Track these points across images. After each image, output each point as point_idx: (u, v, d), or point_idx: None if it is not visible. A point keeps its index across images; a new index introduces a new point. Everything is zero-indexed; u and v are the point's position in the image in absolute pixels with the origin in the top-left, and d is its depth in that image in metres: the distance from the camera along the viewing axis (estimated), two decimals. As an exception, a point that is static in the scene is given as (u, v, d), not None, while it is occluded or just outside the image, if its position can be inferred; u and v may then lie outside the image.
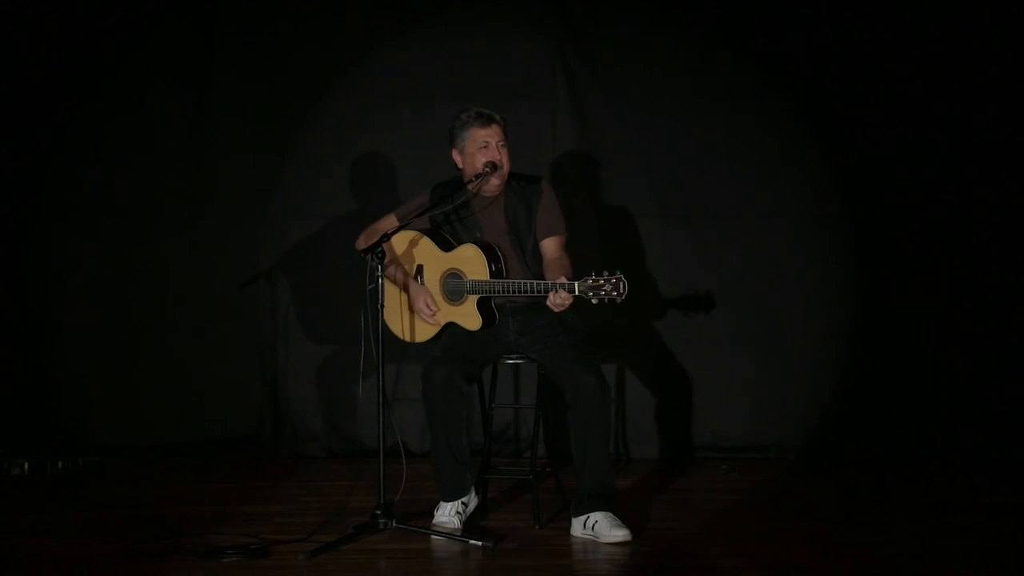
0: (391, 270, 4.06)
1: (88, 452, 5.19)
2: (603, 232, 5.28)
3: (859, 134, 5.36)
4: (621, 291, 3.60)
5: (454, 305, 3.98)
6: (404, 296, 4.08)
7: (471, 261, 3.94)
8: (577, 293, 3.64)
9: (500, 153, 3.97)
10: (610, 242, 5.28)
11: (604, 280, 3.60)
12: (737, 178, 5.35)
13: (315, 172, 5.41)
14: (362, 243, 4.08)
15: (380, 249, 3.78)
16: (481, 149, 3.98)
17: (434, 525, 3.88)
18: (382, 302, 3.79)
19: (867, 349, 5.35)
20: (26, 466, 4.96)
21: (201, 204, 5.49)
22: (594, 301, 3.62)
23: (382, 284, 3.79)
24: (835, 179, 5.39)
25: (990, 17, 5.22)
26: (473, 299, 3.94)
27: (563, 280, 3.67)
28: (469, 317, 3.95)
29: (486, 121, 3.98)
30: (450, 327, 4.02)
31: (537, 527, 3.93)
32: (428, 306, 3.98)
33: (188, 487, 4.68)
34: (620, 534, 3.70)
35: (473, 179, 3.98)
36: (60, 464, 5.02)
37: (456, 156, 4.05)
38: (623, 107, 5.35)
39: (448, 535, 3.77)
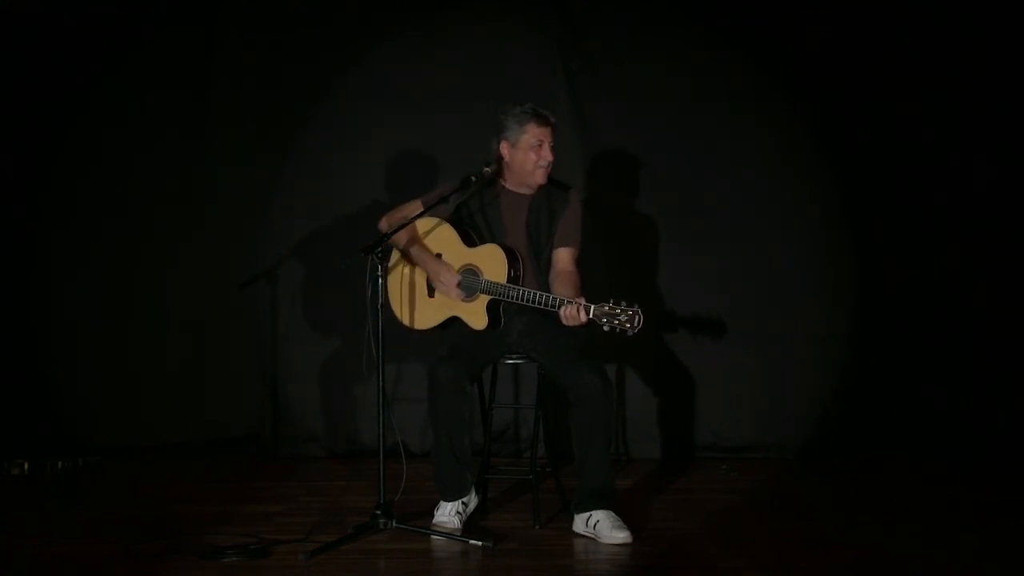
0: (412, 249, 4.06)
1: (88, 452, 5.20)
2: (602, 232, 5.27)
3: (859, 134, 5.36)
4: (635, 324, 3.59)
5: (464, 301, 3.98)
6: (408, 281, 4.07)
7: (492, 262, 3.94)
8: (591, 316, 3.64)
9: (548, 154, 3.99)
10: (609, 242, 5.27)
11: (620, 310, 3.60)
12: (737, 178, 5.35)
13: (315, 172, 5.41)
14: (384, 226, 4.07)
15: (380, 248, 3.78)
16: (534, 147, 3.98)
17: (434, 525, 3.88)
18: (382, 302, 3.79)
19: (867, 349, 5.36)
20: (26, 466, 4.96)
21: (201, 204, 5.50)
22: (605, 328, 3.62)
23: (382, 284, 3.79)
24: (835, 179, 5.39)
25: (990, 14, 5.22)
26: (484, 299, 3.93)
27: (581, 300, 3.66)
28: (476, 315, 3.95)
29: (544, 121, 3.99)
30: (453, 321, 4.02)
31: (537, 527, 3.92)
32: (452, 275, 3.97)
33: (188, 487, 4.68)
34: (621, 536, 3.70)
35: (474, 178, 3.96)
36: (60, 464, 5.02)
37: (504, 147, 4.02)
38: (623, 107, 5.35)
39: (448, 535, 3.77)
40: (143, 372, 5.47)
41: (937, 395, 5.31)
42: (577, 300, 3.67)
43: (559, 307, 3.71)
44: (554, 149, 4.01)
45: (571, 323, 3.69)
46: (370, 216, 4.29)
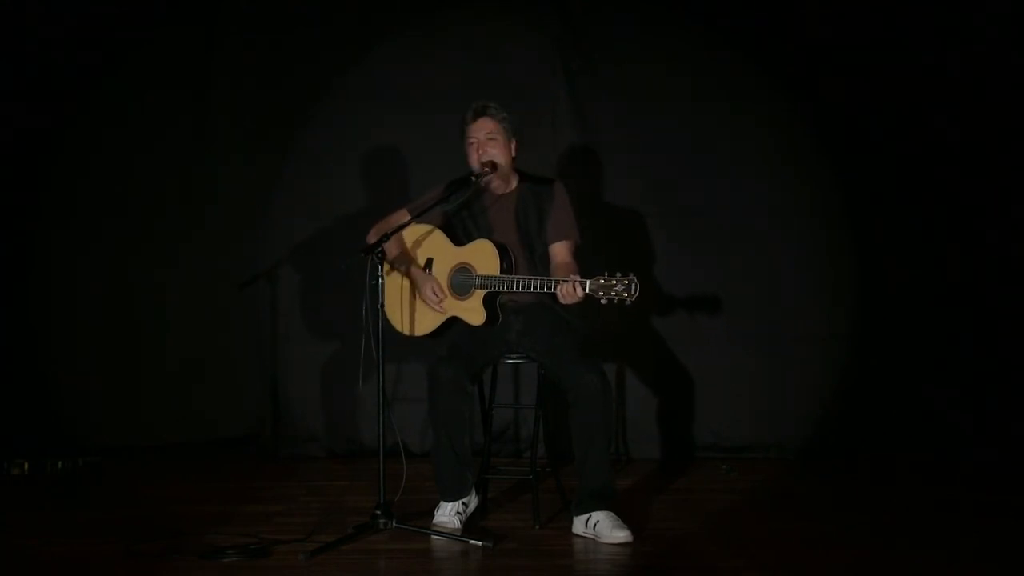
0: (400, 261, 4.06)
1: (88, 452, 5.20)
2: (602, 232, 5.27)
3: (859, 134, 5.36)
4: (632, 293, 3.58)
5: (460, 299, 3.98)
6: (407, 289, 4.08)
7: (483, 256, 3.94)
8: (588, 291, 3.64)
9: (485, 148, 3.97)
10: (610, 242, 5.27)
11: (616, 281, 3.59)
12: (737, 178, 5.35)
13: (315, 172, 5.42)
14: (373, 237, 4.05)
15: (380, 249, 3.78)
16: (470, 144, 3.99)
17: (434, 525, 3.88)
18: (382, 302, 3.79)
19: (867, 349, 5.35)
20: (26, 466, 4.97)
21: (201, 204, 5.50)
22: (603, 301, 3.61)
23: (382, 284, 3.79)
24: (835, 179, 5.39)
25: (990, 14, 5.22)
26: (480, 294, 3.93)
27: (576, 277, 3.66)
28: (473, 312, 3.95)
29: (476, 115, 3.99)
30: (453, 323, 4.02)
31: (537, 527, 3.92)
32: (435, 293, 3.97)
33: (188, 487, 4.68)
34: (621, 535, 3.70)
35: (474, 177, 3.97)
36: (60, 464, 5.03)
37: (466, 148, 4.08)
38: (623, 107, 5.35)
39: (448, 535, 3.77)
40: (143, 372, 5.47)
41: (937, 395, 5.31)
42: (572, 277, 3.66)
43: (555, 288, 3.70)
44: (499, 140, 3.96)
45: (569, 301, 3.68)
46: (370, 216, 4.29)
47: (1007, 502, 4.37)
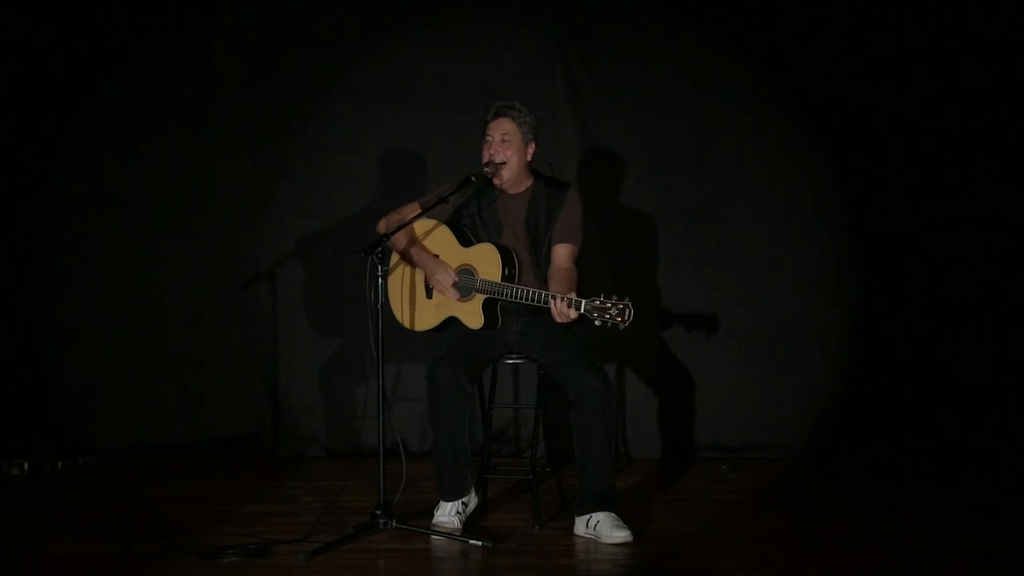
0: (410, 251, 4.06)
1: (88, 452, 5.20)
2: (603, 232, 5.28)
3: (859, 133, 5.35)
4: (626, 318, 3.58)
5: (461, 300, 3.98)
6: (410, 283, 4.08)
7: (486, 261, 3.94)
8: (582, 311, 3.64)
9: (498, 149, 3.97)
10: (610, 242, 5.27)
11: (611, 304, 3.59)
12: (737, 178, 5.35)
13: (315, 172, 5.41)
14: (382, 227, 4.06)
15: (380, 249, 3.78)
16: (485, 142, 3.99)
17: (434, 525, 3.89)
18: (382, 302, 3.79)
19: (867, 349, 5.35)
20: (26, 466, 4.97)
21: (201, 204, 5.50)
22: (597, 323, 3.61)
23: (382, 284, 3.79)
24: (835, 179, 5.39)
25: (991, 14, 5.22)
26: (480, 298, 3.93)
27: (572, 295, 3.66)
28: (472, 315, 3.95)
29: (495, 114, 4.00)
30: (454, 320, 4.02)
31: (537, 527, 3.93)
32: (449, 274, 3.97)
33: (188, 487, 4.69)
34: (621, 535, 3.70)
35: (474, 178, 3.97)
36: (60, 464, 5.03)
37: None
38: (623, 107, 5.35)
39: (448, 535, 3.77)
40: (143, 372, 5.47)
41: (937, 395, 5.31)
42: (568, 295, 3.67)
43: (550, 302, 3.71)
44: (514, 143, 3.95)
45: (562, 319, 3.68)
46: (370, 216, 4.30)
47: (1006, 502, 4.38)
